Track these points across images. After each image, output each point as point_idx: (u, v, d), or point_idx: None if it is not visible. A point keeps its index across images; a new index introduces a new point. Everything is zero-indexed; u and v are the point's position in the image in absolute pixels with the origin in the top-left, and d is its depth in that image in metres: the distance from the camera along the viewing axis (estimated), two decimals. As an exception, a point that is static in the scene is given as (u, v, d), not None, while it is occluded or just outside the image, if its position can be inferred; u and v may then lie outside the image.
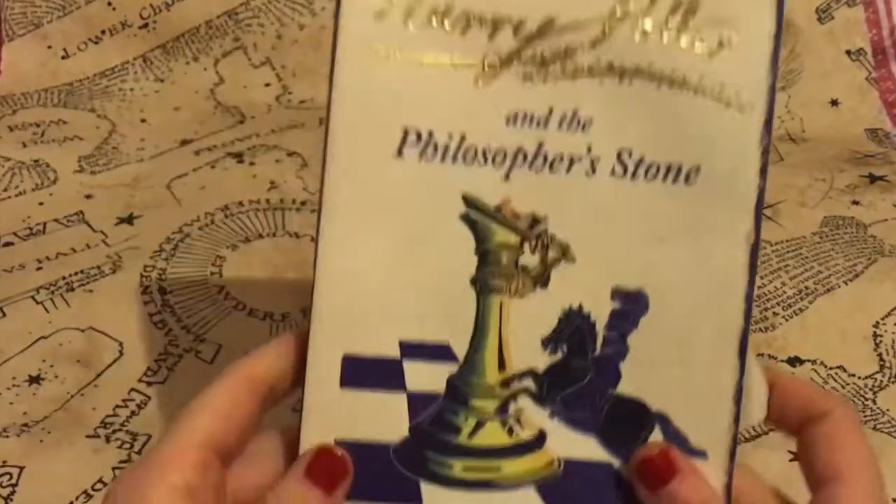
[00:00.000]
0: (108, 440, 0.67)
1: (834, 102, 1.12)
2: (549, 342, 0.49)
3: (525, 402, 0.50)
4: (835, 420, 0.49)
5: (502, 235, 0.49)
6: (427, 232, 0.49)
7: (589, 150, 0.48)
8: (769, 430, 0.69)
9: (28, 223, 0.89)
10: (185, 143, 1.02)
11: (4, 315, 0.77)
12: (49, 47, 1.12)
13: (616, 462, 0.49)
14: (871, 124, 1.11)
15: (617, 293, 0.49)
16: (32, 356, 0.73)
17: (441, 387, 0.49)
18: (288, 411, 0.51)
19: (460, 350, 0.49)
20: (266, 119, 1.07)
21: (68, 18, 1.12)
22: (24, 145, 1.01)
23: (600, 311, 0.49)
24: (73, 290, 0.79)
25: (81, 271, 0.81)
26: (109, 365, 0.73)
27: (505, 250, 0.49)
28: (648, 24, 0.47)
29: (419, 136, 0.48)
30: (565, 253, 0.49)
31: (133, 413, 0.69)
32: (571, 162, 0.48)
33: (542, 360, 0.50)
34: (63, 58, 1.12)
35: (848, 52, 1.14)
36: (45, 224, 0.89)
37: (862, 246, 0.87)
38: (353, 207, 0.48)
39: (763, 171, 0.48)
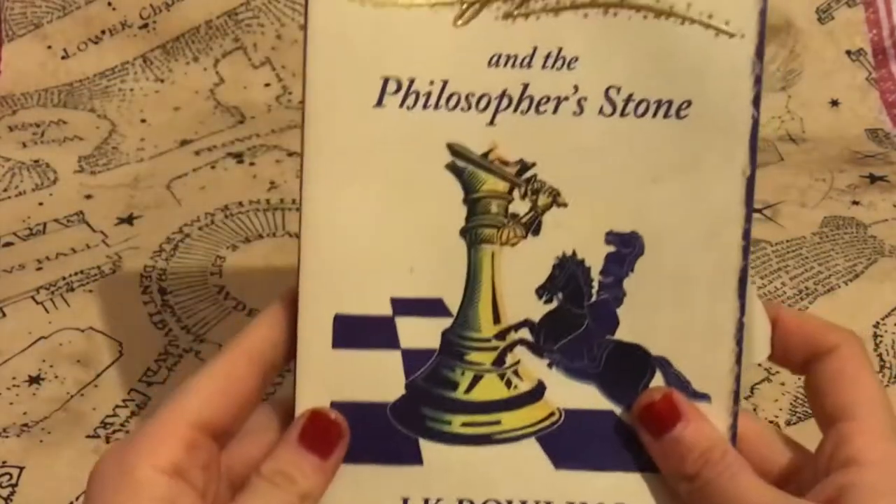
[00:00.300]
0: (107, 440, 0.67)
1: (834, 103, 1.12)
2: (544, 291, 0.49)
3: (522, 353, 0.49)
4: (842, 355, 0.48)
5: (490, 183, 0.48)
6: (413, 184, 0.47)
7: (576, 89, 0.47)
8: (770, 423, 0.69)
9: (28, 223, 0.89)
10: (185, 143, 1.02)
11: (4, 315, 0.77)
12: (49, 47, 1.12)
13: (618, 409, 0.49)
14: (872, 124, 1.11)
15: (611, 237, 0.48)
16: (32, 356, 0.73)
17: (436, 342, 0.49)
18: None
19: (453, 304, 0.48)
20: (266, 119, 1.07)
21: (68, 18, 1.12)
22: (24, 145, 1.01)
23: (595, 256, 0.48)
24: (73, 290, 0.79)
25: (81, 271, 0.81)
26: (109, 365, 0.73)
27: (494, 199, 0.48)
28: None
29: (399, 85, 0.47)
30: (556, 198, 0.48)
31: (133, 413, 0.69)
32: (558, 103, 0.47)
33: (537, 310, 0.49)
34: (63, 58, 1.12)
35: (848, 53, 1.14)
36: (45, 224, 0.89)
37: (862, 246, 0.87)
38: (335, 163, 0.47)
39: (756, 101, 0.47)
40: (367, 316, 0.48)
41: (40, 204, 0.92)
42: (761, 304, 0.50)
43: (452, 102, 0.47)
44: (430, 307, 0.48)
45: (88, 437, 0.67)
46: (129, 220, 0.89)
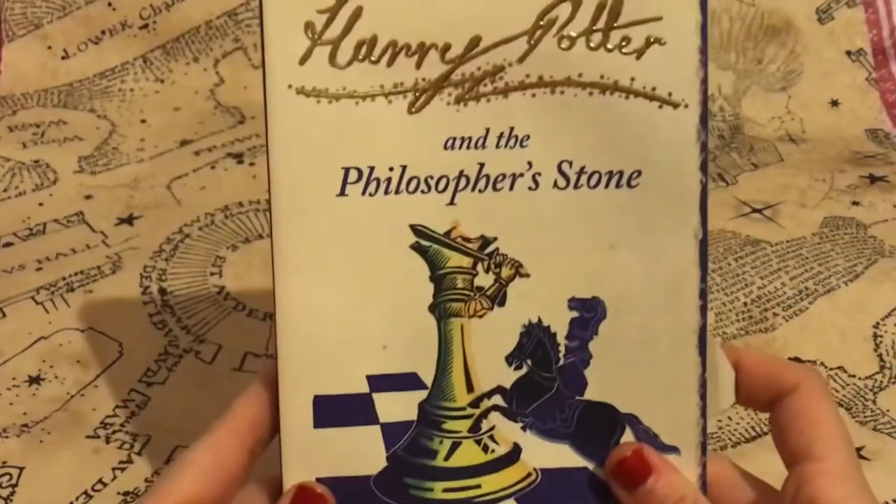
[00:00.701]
0: (107, 441, 0.67)
1: (834, 103, 1.12)
2: (513, 358, 0.50)
3: (497, 419, 0.50)
4: (802, 395, 0.49)
5: (455, 260, 0.49)
6: (380, 266, 0.49)
7: (529, 165, 0.48)
8: (769, 431, 0.69)
9: (28, 223, 0.89)
10: (185, 143, 1.02)
11: (4, 315, 0.77)
12: (49, 48, 1.12)
13: (591, 466, 0.50)
14: (872, 125, 1.11)
15: (573, 303, 0.49)
16: (32, 356, 0.73)
17: (413, 414, 0.50)
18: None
19: (427, 376, 0.50)
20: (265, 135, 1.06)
21: (68, 19, 1.12)
22: (24, 146, 1.01)
23: (560, 322, 0.49)
24: (73, 290, 0.79)
25: (81, 272, 0.82)
26: (109, 365, 0.73)
27: (459, 274, 0.49)
28: (573, 33, 0.47)
29: (360, 174, 0.48)
30: (519, 269, 0.49)
31: (133, 414, 0.69)
32: (514, 179, 0.48)
33: (508, 377, 0.50)
34: (63, 58, 1.12)
35: (848, 53, 1.14)
36: (45, 224, 0.89)
37: (862, 246, 0.87)
38: (303, 250, 0.48)
39: (703, 167, 0.48)
40: (346, 395, 0.49)
41: (40, 204, 0.92)
42: (724, 355, 0.51)
43: (412, 186, 0.48)
44: (405, 381, 0.50)
45: (88, 437, 0.67)
46: (129, 220, 0.89)
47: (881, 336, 0.77)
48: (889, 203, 0.94)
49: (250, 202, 0.91)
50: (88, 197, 0.93)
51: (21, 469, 0.65)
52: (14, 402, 0.70)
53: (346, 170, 0.48)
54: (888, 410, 0.71)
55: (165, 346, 0.75)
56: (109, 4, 1.12)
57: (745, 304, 0.81)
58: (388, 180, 0.48)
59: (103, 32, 1.12)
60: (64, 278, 0.81)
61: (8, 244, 0.86)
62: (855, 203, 0.95)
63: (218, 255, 0.84)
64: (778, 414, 0.50)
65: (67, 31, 1.12)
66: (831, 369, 0.75)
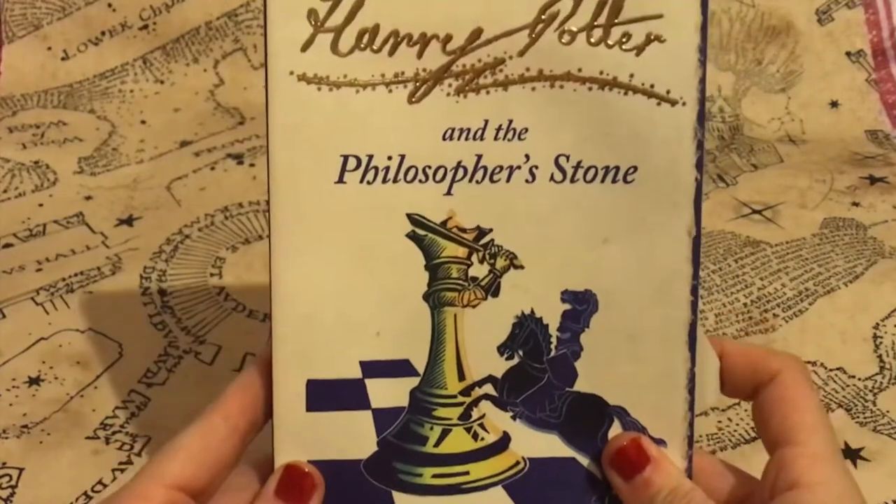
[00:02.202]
0: (107, 442, 0.67)
1: (834, 104, 1.12)
2: (505, 348, 0.50)
3: (487, 407, 0.51)
4: (783, 381, 0.50)
5: (450, 249, 0.49)
6: (376, 253, 0.49)
7: (527, 158, 0.49)
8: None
9: (28, 224, 0.89)
10: (184, 144, 1.02)
11: (4, 316, 0.77)
12: (49, 49, 1.12)
13: (579, 456, 0.50)
14: (872, 126, 1.11)
15: (566, 295, 0.50)
16: (32, 357, 0.73)
17: (405, 400, 0.50)
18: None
19: (420, 363, 0.50)
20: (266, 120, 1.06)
21: (68, 20, 1.12)
22: (24, 146, 1.01)
23: (552, 314, 0.50)
24: (72, 291, 0.79)
25: (81, 273, 0.82)
26: (109, 366, 0.73)
27: (454, 264, 0.49)
28: (574, 28, 0.47)
29: (359, 162, 0.48)
30: (513, 261, 0.49)
31: (133, 415, 0.69)
32: (511, 171, 0.49)
33: (499, 366, 0.50)
34: (63, 59, 1.12)
35: (848, 54, 1.14)
36: (44, 225, 0.89)
37: (862, 247, 0.87)
38: (300, 235, 0.49)
39: (699, 165, 0.48)
40: (339, 379, 0.50)
41: (40, 205, 0.92)
42: (712, 350, 0.51)
43: (410, 175, 0.49)
44: (397, 368, 0.50)
45: (88, 438, 0.67)
46: (129, 221, 0.89)
47: (881, 337, 0.77)
48: (889, 204, 0.94)
49: (250, 203, 0.91)
50: (88, 198, 0.93)
51: (21, 470, 0.65)
52: (14, 403, 0.70)
53: (345, 157, 0.48)
54: (888, 411, 0.71)
55: (165, 347, 0.75)
56: (109, 5, 1.12)
57: (745, 304, 0.80)
58: (387, 169, 0.48)
59: (103, 33, 1.12)
60: (64, 279, 0.81)
61: (8, 245, 0.86)
62: (855, 204, 0.95)
63: (218, 255, 0.84)
64: (760, 401, 0.50)
65: (67, 32, 1.13)
66: (831, 370, 0.75)
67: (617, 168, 0.48)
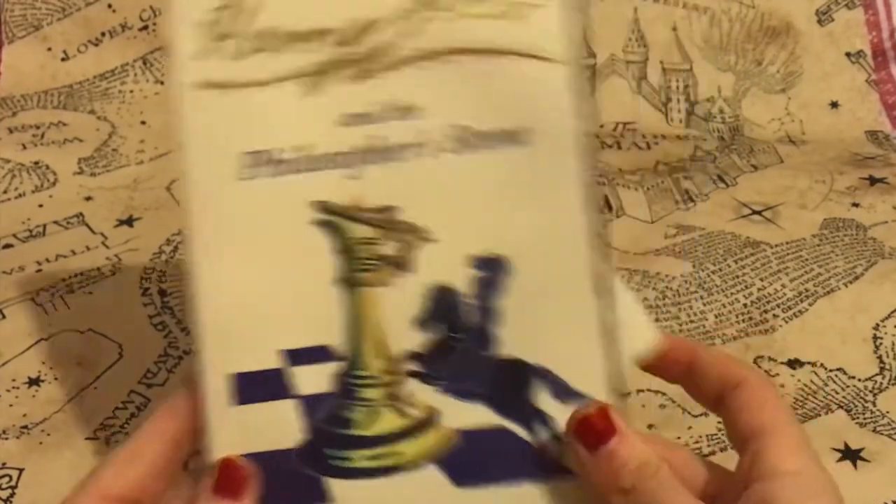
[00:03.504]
0: (107, 442, 0.67)
1: (834, 104, 1.12)
2: (423, 322, 0.50)
3: (413, 384, 0.51)
4: (751, 386, 0.50)
5: (358, 231, 0.50)
6: (286, 243, 0.50)
7: (425, 134, 0.50)
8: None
9: (28, 225, 0.89)
10: (184, 144, 1.02)
11: (4, 317, 0.77)
12: (49, 49, 1.12)
13: (511, 424, 0.50)
14: (871, 126, 1.11)
15: (477, 262, 0.50)
16: (32, 358, 0.73)
17: (330, 385, 0.50)
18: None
19: (341, 347, 0.50)
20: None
21: (68, 20, 1.12)
22: (24, 147, 1.01)
23: (466, 283, 0.50)
24: (72, 292, 0.79)
25: (81, 273, 0.81)
26: (109, 367, 0.73)
27: (363, 245, 0.50)
28: (458, 4, 0.50)
29: (261, 156, 0.49)
30: (422, 235, 0.50)
31: (133, 415, 0.69)
32: (411, 149, 0.50)
33: (420, 341, 0.51)
34: (63, 59, 1.12)
35: (848, 55, 1.14)
36: (44, 226, 0.89)
37: (862, 248, 0.87)
38: (212, 234, 0.50)
39: (581, 114, 0.49)
40: (261, 371, 0.50)
41: (40, 206, 0.92)
42: (633, 300, 0.53)
43: (313, 164, 0.50)
44: (319, 354, 0.50)
45: (88, 438, 0.67)
46: (129, 221, 0.89)
47: (881, 338, 0.77)
48: (889, 205, 0.94)
49: (250, 203, 0.91)
50: (88, 198, 0.93)
51: (21, 470, 0.65)
52: (14, 403, 0.70)
53: (249, 154, 0.49)
54: (888, 412, 0.71)
55: (165, 348, 0.75)
56: (109, 6, 1.11)
57: (745, 305, 0.80)
58: (289, 161, 0.49)
59: (103, 34, 1.12)
60: (64, 280, 0.80)
61: (8, 245, 0.86)
62: (855, 205, 0.95)
63: (217, 256, 0.84)
64: (729, 404, 0.50)
65: (67, 33, 1.12)
66: (831, 371, 0.74)
67: (512, 132, 0.50)
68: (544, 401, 0.50)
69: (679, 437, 0.67)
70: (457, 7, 0.49)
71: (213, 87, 0.49)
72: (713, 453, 0.66)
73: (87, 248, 0.86)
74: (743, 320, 0.79)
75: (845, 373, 0.74)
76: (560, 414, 0.49)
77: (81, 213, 0.91)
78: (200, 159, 0.49)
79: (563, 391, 0.50)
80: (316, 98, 0.49)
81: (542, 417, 0.50)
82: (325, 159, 0.50)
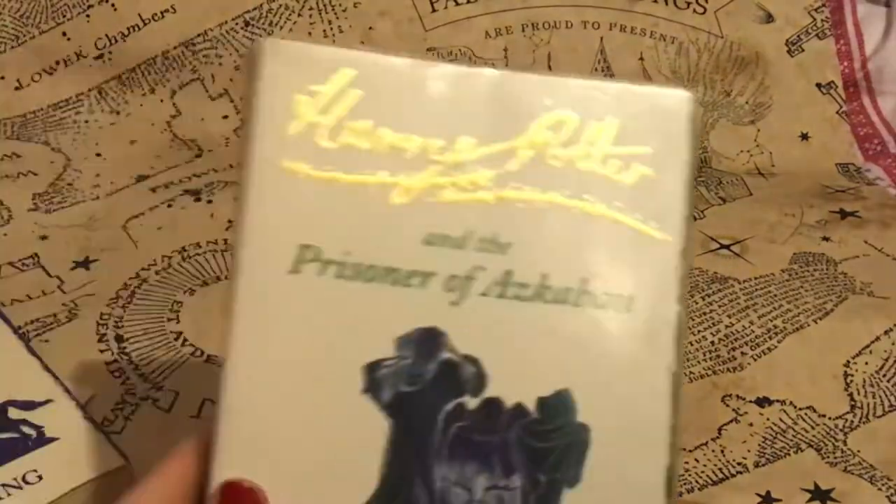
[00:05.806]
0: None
1: (804, 136, 1.13)
2: None
3: None
4: None
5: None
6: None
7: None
8: (736, 473, 0.69)
9: (-17, 267, 0.88)
10: (141, 178, 1.01)
11: (-42, 366, 0.75)
12: (2, 78, 1.11)
13: None
14: (843, 159, 1.12)
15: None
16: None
17: None
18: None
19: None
20: (224, 153, 1.06)
21: (22, 48, 1.11)
22: (-23, 181, 0.99)
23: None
24: (29, 340, 0.77)
25: (37, 320, 0.80)
26: (64, 417, 0.71)
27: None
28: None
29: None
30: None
31: (89, 467, 0.68)
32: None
33: None
34: (16, 88, 1.11)
35: (819, 86, 1.15)
36: (0, 267, 0.87)
37: (832, 283, 0.87)
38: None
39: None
40: None
41: (-5, 245, 0.91)
42: None
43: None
44: None
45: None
46: (86, 264, 0.88)
47: (852, 375, 0.78)
48: (860, 239, 0.95)
49: (208, 242, 0.90)
50: (44, 237, 0.91)
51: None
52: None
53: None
54: (859, 451, 0.71)
55: (122, 395, 0.74)
56: (64, 34, 1.10)
57: (713, 342, 0.80)
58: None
59: (58, 63, 1.11)
60: (20, 327, 0.79)
61: (-38, 287, 0.84)
62: (825, 238, 0.95)
63: (175, 299, 0.83)
64: None
65: (21, 61, 1.11)
66: (801, 409, 0.75)
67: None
68: None
69: None
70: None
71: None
72: (681, 494, 0.66)
73: (44, 293, 0.84)
74: (710, 358, 0.79)
75: (815, 411, 0.75)
76: None
77: (37, 255, 0.89)
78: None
79: None
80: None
81: None
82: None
